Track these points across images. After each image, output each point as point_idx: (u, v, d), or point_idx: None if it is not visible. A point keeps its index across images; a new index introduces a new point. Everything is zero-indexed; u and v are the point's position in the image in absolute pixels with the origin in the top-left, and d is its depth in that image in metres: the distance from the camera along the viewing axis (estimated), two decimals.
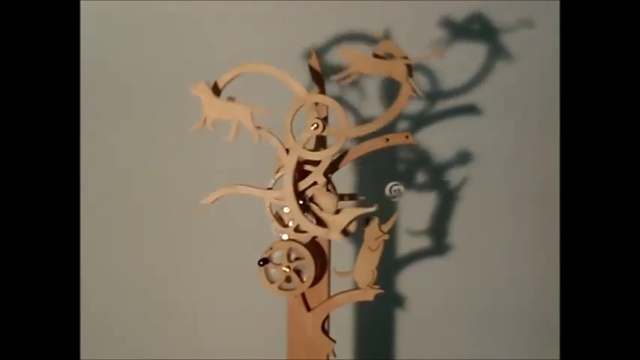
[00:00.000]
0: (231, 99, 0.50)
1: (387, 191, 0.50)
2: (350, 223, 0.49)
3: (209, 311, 0.80)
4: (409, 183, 0.76)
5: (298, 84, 0.48)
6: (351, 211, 0.49)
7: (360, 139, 0.51)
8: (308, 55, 0.51)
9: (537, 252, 0.78)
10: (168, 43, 0.76)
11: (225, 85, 0.50)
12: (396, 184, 0.50)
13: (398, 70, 0.48)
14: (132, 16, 0.75)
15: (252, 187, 0.51)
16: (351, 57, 0.48)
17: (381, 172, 0.75)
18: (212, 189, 0.52)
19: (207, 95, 0.49)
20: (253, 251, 0.52)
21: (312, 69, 0.52)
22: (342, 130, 0.49)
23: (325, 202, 0.49)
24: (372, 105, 0.74)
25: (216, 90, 0.49)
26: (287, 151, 0.50)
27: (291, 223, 0.51)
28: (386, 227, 0.51)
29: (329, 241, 0.53)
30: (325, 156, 0.49)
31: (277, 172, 0.51)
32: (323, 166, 0.49)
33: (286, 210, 0.51)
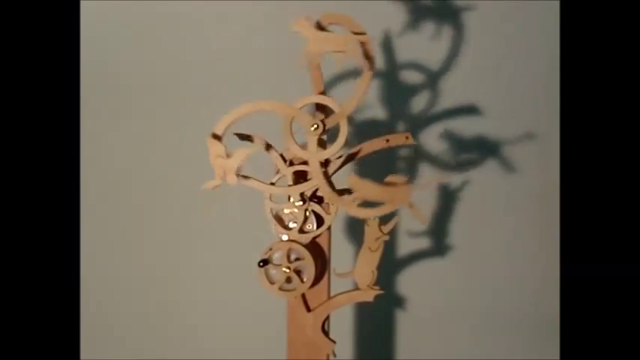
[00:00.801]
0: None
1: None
2: None
3: (209, 311, 0.80)
4: (409, 183, 0.76)
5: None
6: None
7: (360, 140, 0.51)
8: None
9: (537, 252, 0.78)
10: (168, 43, 0.75)
11: (226, 129, 0.49)
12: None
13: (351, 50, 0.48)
14: (132, 16, 0.75)
15: (257, 180, 0.50)
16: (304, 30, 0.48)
17: (382, 172, 0.75)
18: (212, 189, 0.51)
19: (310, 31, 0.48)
20: (254, 252, 0.52)
21: (311, 69, 0.52)
22: (341, 111, 0.48)
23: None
24: (372, 105, 0.74)
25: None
26: (282, 158, 0.50)
27: (291, 224, 0.51)
28: (386, 228, 0.51)
29: (329, 241, 0.53)
30: (338, 147, 0.49)
31: (277, 172, 0.51)
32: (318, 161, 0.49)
33: (286, 211, 0.51)
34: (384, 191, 0.48)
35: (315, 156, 0.49)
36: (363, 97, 0.49)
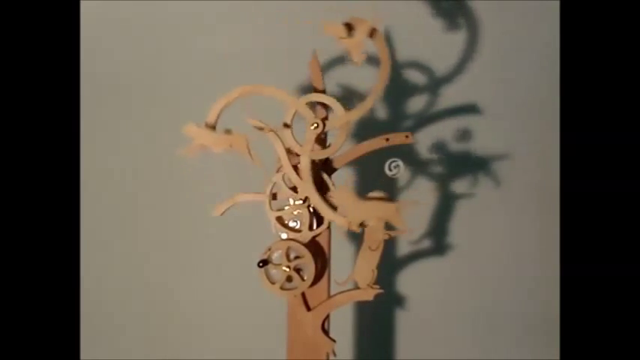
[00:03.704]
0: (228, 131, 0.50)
1: (386, 169, 0.50)
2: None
3: (209, 311, 0.80)
4: (409, 183, 0.76)
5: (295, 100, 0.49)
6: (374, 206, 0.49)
7: (360, 139, 0.51)
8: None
9: (537, 252, 0.78)
10: (168, 43, 0.76)
11: (219, 115, 0.50)
12: (394, 161, 0.50)
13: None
14: (132, 16, 0.75)
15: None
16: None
17: (382, 172, 0.75)
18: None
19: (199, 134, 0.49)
20: (254, 252, 0.52)
21: (311, 69, 0.52)
22: (343, 117, 0.48)
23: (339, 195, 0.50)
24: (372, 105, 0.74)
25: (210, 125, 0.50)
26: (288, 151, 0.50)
27: (292, 223, 0.51)
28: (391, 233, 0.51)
29: (329, 241, 0.53)
30: (333, 151, 0.49)
31: (277, 171, 0.51)
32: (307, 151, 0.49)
33: (286, 208, 0.51)
34: (368, 207, 0.49)
35: (308, 154, 0.49)
36: (367, 109, 0.49)
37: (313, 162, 0.50)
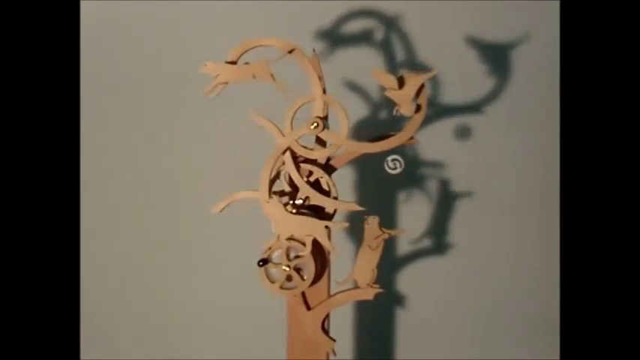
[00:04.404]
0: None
1: (386, 165, 0.50)
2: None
3: (209, 311, 0.80)
4: (409, 183, 0.76)
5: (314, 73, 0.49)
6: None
7: (360, 139, 0.51)
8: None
9: (537, 252, 0.78)
10: (168, 43, 0.75)
11: (240, 56, 0.49)
12: (395, 158, 0.50)
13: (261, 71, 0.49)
14: (132, 16, 0.75)
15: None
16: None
17: (382, 172, 0.75)
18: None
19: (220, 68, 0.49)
20: (254, 251, 0.52)
21: (312, 69, 0.52)
22: (340, 138, 0.49)
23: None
24: (372, 105, 0.74)
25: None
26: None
27: None
28: (392, 232, 0.51)
29: (329, 240, 0.53)
30: (320, 155, 0.50)
31: (277, 171, 0.51)
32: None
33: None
34: (297, 222, 0.49)
35: (289, 138, 0.49)
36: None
37: (314, 162, 0.50)
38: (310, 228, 0.49)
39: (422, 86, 0.48)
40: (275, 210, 0.49)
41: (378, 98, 0.74)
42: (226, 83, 0.49)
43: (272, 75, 0.49)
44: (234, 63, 0.49)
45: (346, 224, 0.50)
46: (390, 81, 0.48)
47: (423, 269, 0.78)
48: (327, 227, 0.49)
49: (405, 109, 0.48)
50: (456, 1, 0.73)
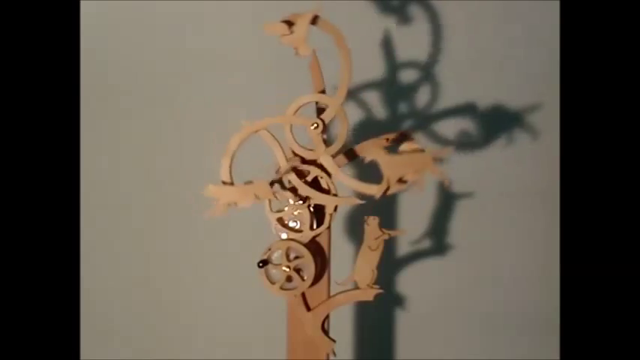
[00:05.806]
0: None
1: None
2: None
3: (209, 311, 0.80)
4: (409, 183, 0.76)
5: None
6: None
7: (360, 139, 0.51)
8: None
9: (537, 252, 0.78)
10: (168, 44, 0.75)
11: (230, 170, 0.50)
12: None
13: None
14: (132, 16, 0.75)
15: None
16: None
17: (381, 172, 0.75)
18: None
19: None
20: (254, 252, 0.52)
21: (312, 69, 0.52)
22: (333, 102, 0.49)
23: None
24: (373, 105, 0.74)
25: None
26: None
27: (292, 224, 0.51)
28: (390, 233, 0.51)
29: (329, 240, 0.53)
30: (343, 138, 0.49)
31: (277, 171, 0.51)
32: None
33: (286, 209, 0.51)
34: (403, 161, 0.47)
35: (324, 154, 0.49)
36: (349, 81, 0.48)
37: (315, 162, 0.50)
38: (418, 163, 0.47)
39: (316, 19, 0.48)
40: (375, 153, 0.47)
41: (378, 98, 0.74)
42: (230, 205, 0.49)
43: (274, 194, 0.49)
44: (231, 183, 0.49)
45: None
46: (280, 28, 0.47)
47: (423, 269, 0.78)
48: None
49: (303, 50, 0.47)
50: (456, 1, 0.73)
